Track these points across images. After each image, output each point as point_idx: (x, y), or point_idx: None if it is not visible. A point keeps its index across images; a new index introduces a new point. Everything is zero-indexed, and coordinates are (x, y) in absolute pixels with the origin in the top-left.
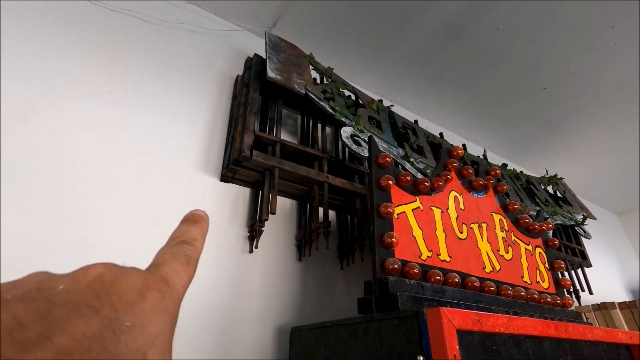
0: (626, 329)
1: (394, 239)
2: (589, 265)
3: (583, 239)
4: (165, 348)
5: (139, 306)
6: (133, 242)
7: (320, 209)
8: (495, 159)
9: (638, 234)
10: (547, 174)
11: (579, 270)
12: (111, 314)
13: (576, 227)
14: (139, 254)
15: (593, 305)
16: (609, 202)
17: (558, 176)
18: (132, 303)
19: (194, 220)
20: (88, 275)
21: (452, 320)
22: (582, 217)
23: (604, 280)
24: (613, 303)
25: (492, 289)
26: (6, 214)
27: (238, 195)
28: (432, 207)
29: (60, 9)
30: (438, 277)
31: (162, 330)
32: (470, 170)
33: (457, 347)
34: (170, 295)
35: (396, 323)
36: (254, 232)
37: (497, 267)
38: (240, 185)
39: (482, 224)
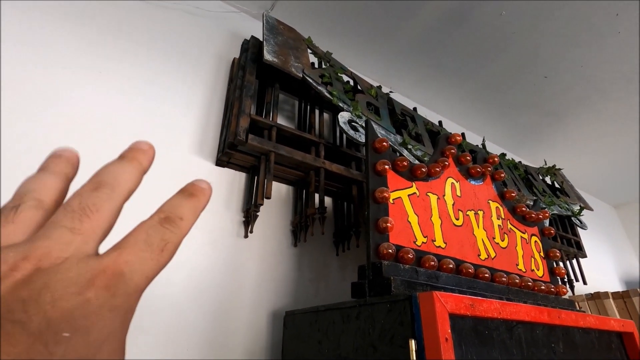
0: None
1: (388, 224)
2: (584, 256)
3: (579, 229)
4: (115, 348)
5: (79, 311)
6: (126, 227)
7: (316, 195)
8: (494, 148)
9: (635, 226)
10: (546, 164)
11: (574, 261)
12: (42, 326)
13: (572, 218)
14: None
15: (587, 295)
16: (607, 194)
17: (556, 167)
18: (71, 309)
19: (190, 193)
20: (12, 276)
21: (445, 304)
22: (578, 208)
23: (599, 270)
24: (606, 293)
25: (486, 275)
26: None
27: (233, 179)
28: (428, 193)
29: None
30: (432, 263)
31: (111, 331)
32: (468, 157)
33: (449, 331)
34: (124, 291)
35: (389, 307)
36: (249, 217)
37: (492, 254)
38: (235, 169)
39: (479, 211)
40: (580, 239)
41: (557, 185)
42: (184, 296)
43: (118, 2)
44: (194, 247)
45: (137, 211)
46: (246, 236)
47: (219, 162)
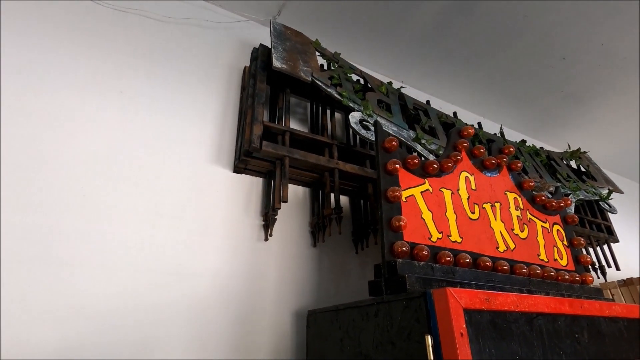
0: None
1: (402, 223)
2: (616, 241)
3: (610, 214)
4: None
5: None
6: (152, 235)
7: (332, 195)
8: (513, 135)
9: None
10: (570, 148)
11: (605, 246)
12: None
13: (600, 202)
14: (157, 245)
15: (619, 281)
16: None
17: (582, 150)
18: None
19: None
20: None
21: (459, 299)
22: (607, 191)
23: (634, 255)
24: (639, 279)
25: (505, 268)
26: (31, 211)
27: (251, 185)
28: (442, 189)
29: (69, 12)
30: (448, 258)
31: None
32: (482, 150)
33: (464, 326)
34: None
35: (405, 304)
36: (268, 220)
37: (512, 246)
38: (252, 175)
39: (495, 204)
40: (610, 223)
41: (582, 169)
42: (210, 302)
43: (130, 22)
44: (216, 254)
45: (159, 213)
46: (266, 239)
47: (236, 169)
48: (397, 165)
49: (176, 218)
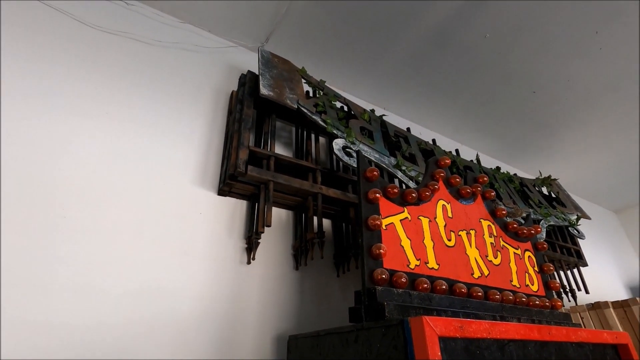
0: (620, 328)
1: (381, 250)
2: (585, 265)
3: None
4: None
5: None
6: (135, 256)
7: (315, 219)
8: (489, 161)
9: (636, 230)
10: (541, 175)
11: (575, 270)
12: None
13: (570, 228)
14: (141, 267)
15: (587, 305)
16: (607, 200)
17: (552, 177)
18: None
19: None
20: None
21: (435, 327)
22: (576, 217)
23: (602, 278)
24: (606, 302)
25: (479, 294)
26: (13, 233)
27: (235, 208)
28: (420, 217)
29: (56, 34)
30: (425, 285)
31: None
32: (458, 179)
33: (439, 353)
34: None
35: (384, 331)
36: (251, 244)
37: (486, 272)
38: (237, 198)
39: (471, 231)
40: (580, 247)
41: (553, 195)
42: (191, 324)
43: (120, 44)
44: (199, 276)
45: (143, 234)
46: (249, 262)
47: (221, 192)
48: (377, 195)
49: (159, 239)
